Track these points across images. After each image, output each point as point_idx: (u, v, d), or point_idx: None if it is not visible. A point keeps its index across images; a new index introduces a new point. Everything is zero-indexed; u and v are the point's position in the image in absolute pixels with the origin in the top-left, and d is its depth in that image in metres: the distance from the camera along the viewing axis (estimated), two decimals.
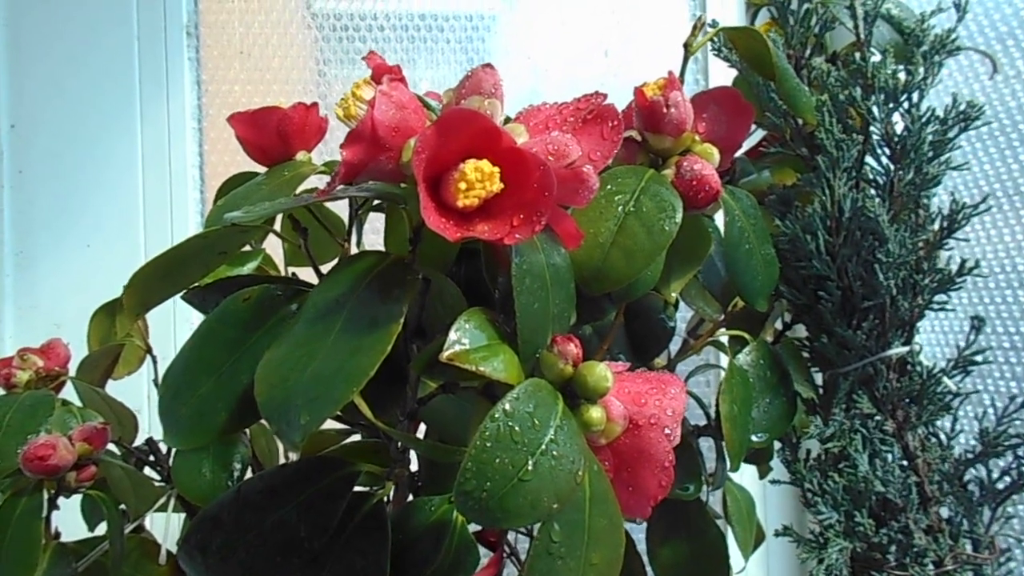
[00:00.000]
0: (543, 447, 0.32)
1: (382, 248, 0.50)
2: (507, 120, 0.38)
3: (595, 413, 0.35)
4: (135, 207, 1.02)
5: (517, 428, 0.31)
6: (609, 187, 0.42)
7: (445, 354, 0.33)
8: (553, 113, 0.38)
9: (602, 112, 0.37)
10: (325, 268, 0.68)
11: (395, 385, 0.43)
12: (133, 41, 1.03)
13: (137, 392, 0.89)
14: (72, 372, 0.73)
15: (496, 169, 0.33)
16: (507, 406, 0.32)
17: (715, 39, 0.55)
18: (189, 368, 0.39)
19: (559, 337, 0.35)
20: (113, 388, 0.75)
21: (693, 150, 0.46)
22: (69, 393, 0.69)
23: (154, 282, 0.45)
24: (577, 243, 0.38)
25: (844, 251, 0.50)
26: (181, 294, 0.46)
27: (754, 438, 0.51)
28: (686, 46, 0.46)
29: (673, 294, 0.51)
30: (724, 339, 0.56)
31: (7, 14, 1.00)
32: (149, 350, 0.71)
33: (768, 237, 0.49)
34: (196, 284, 0.48)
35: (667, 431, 0.36)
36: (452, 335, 0.33)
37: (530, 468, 0.31)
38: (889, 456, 0.49)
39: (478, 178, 0.33)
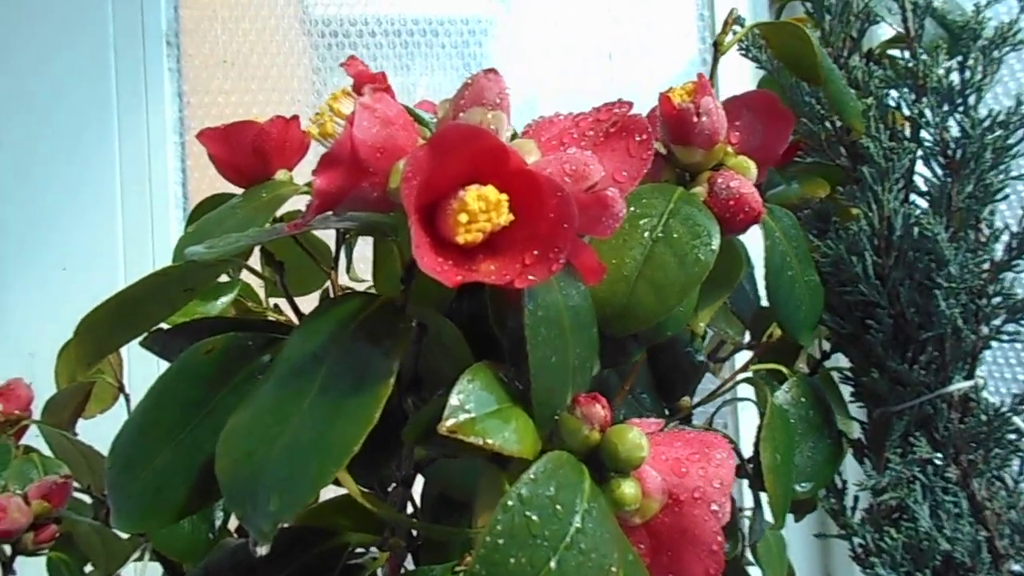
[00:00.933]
0: (568, 539, 0.26)
1: (371, 279, 0.44)
2: (514, 136, 0.32)
3: (628, 489, 0.29)
4: (113, 227, 0.96)
5: (536, 518, 0.25)
6: (632, 209, 0.37)
7: (446, 424, 0.27)
8: (568, 126, 0.32)
9: (627, 124, 0.31)
10: (311, 299, 0.62)
11: (387, 443, 0.36)
12: (109, 51, 0.97)
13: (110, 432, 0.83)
14: (39, 411, 0.67)
15: (504, 196, 0.27)
16: (523, 491, 0.26)
17: (743, 38, 0.49)
18: (142, 434, 0.33)
19: (582, 397, 0.29)
20: (84, 427, 0.69)
21: (727, 164, 0.40)
22: (35, 437, 0.63)
23: (108, 327, 0.39)
24: (599, 278, 0.32)
25: (895, 274, 0.45)
26: (140, 342, 0.40)
27: (798, 488, 0.45)
28: (716, 44, 0.40)
29: (701, 324, 0.45)
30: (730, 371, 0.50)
31: None
32: (121, 388, 0.65)
33: (811, 261, 0.43)
34: (159, 326, 0.42)
35: (714, 507, 0.29)
36: (454, 399, 0.27)
37: (553, 567, 0.25)
38: (953, 506, 0.43)
39: (482, 208, 0.27)
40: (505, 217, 0.27)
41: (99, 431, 0.68)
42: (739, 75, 1.05)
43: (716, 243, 0.36)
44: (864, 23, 0.46)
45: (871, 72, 0.46)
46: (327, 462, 0.27)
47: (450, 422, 0.27)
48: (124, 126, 0.97)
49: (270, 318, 0.51)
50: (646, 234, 0.36)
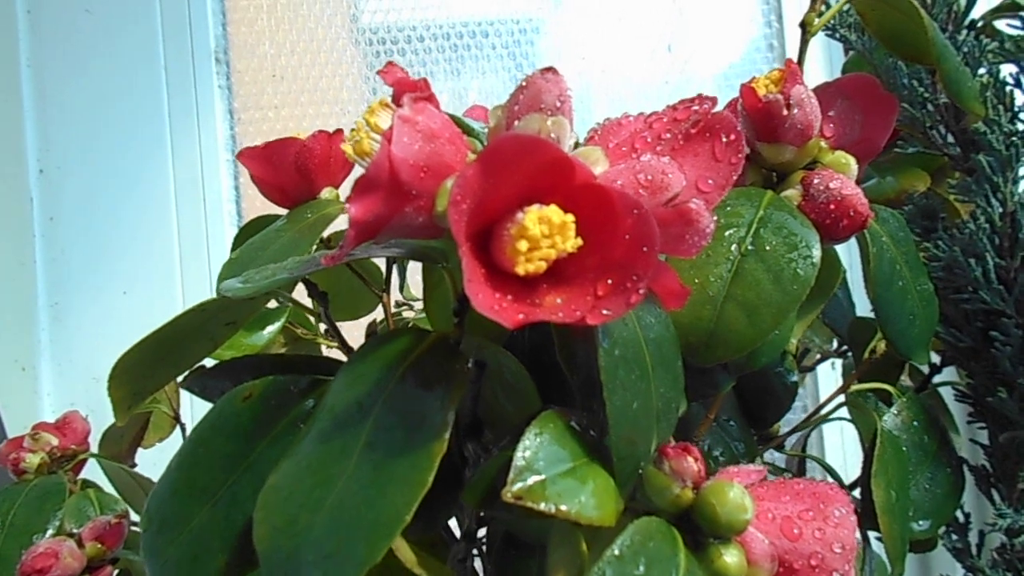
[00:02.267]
0: None
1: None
2: (576, 143, 0.28)
3: (731, 558, 0.24)
4: (171, 248, 0.96)
5: None
6: (716, 219, 0.32)
7: (512, 490, 0.23)
8: (640, 128, 0.28)
9: (711, 124, 0.26)
10: (362, 323, 0.59)
11: (446, 493, 0.33)
12: (160, 72, 0.97)
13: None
14: (97, 442, 0.66)
15: (569, 217, 0.23)
16: (608, 572, 0.21)
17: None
18: (178, 493, 0.30)
19: (671, 448, 0.25)
20: (144, 456, 0.68)
21: (822, 161, 0.35)
22: (93, 470, 0.62)
23: (147, 368, 0.37)
24: (681, 302, 0.28)
25: (1022, 278, 0.38)
26: (180, 382, 0.37)
27: (915, 526, 0.39)
28: (804, 25, 0.35)
29: (793, 340, 0.40)
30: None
31: (30, 55, 0.95)
32: (177, 418, 0.63)
33: (923, 267, 0.37)
34: (200, 364, 0.39)
35: None
36: (519, 458, 0.23)
37: None
38: None
39: (544, 233, 0.23)
40: (572, 242, 0.23)
41: (161, 459, 0.67)
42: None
43: (816, 255, 0.31)
44: None
45: (983, 46, 0.40)
46: (377, 537, 0.23)
47: (516, 487, 0.23)
48: (177, 146, 0.96)
49: (317, 352, 0.48)
50: (733, 247, 0.31)
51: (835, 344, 0.62)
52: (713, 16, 1.05)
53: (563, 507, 0.23)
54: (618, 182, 0.26)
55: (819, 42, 0.99)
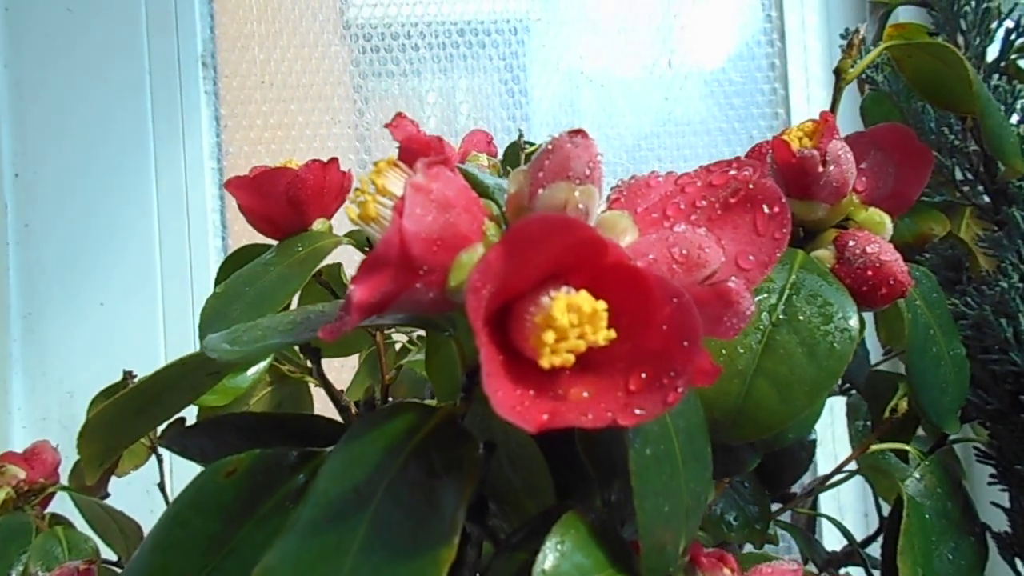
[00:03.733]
0: None
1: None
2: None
3: None
4: (151, 259, 0.92)
5: None
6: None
7: None
8: (672, 192, 0.25)
9: (753, 194, 0.24)
10: (352, 361, 0.56)
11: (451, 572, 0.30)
12: (144, 75, 0.93)
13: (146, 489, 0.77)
14: (68, 470, 0.62)
15: (601, 305, 0.20)
16: None
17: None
18: None
19: (705, 557, 0.23)
20: (117, 485, 0.64)
21: (855, 219, 0.32)
22: (62, 499, 0.59)
23: (124, 421, 0.34)
24: (712, 380, 0.25)
25: None
26: (156, 437, 0.35)
27: None
28: (839, 72, 0.33)
29: None
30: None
31: (7, 53, 0.91)
32: (154, 447, 0.60)
33: (955, 330, 0.35)
34: (179, 418, 0.36)
35: None
36: (541, 569, 0.21)
37: None
38: None
39: (573, 323, 0.20)
40: (604, 334, 0.20)
41: (133, 488, 0.64)
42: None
43: (854, 327, 0.28)
44: (1013, 33, 0.38)
45: (1016, 92, 0.38)
46: None
47: None
48: (160, 153, 0.93)
49: (305, 392, 0.46)
50: (764, 316, 0.29)
51: (839, 381, 0.60)
52: (714, 33, 1.03)
53: None
54: (650, 256, 0.23)
55: (822, 65, 0.98)
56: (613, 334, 0.20)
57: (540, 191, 0.23)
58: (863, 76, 0.42)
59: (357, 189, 0.24)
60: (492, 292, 0.20)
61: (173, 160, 0.93)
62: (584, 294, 0.21)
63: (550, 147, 0.23)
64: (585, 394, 0.21)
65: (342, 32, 1.00)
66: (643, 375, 0.21)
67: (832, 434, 0.99)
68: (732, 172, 0.25)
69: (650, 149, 1.03)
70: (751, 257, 0.24)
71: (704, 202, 0.25)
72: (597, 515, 0.24)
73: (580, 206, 0.22)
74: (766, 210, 0.24)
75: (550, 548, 0.21)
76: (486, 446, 0.27)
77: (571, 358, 0.21)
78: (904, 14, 0.55)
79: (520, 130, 0.80)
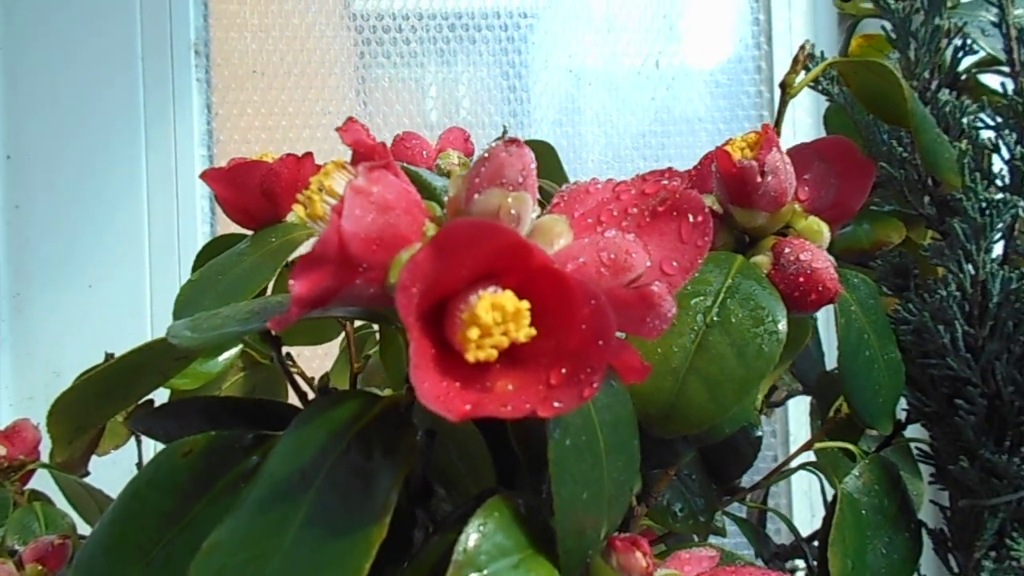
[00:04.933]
0: None
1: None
2: (541, 207, 0.27)
3: None
4: (140, 243, 0.94)
5: None
6: (684, 288, 0.31)
7: None
8: (607, 199, 0.27)
9: (679, 203, 0.26)
10: (322, 349, 0.57)
11: (399, 552, 0.32)
12: (137, 62, 0.94)
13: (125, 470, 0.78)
14: (48, 450, 0.64)
15: (524, 305, 0.22)
16: None
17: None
18: (109, 550, 0.29)
19: (619, 541, 0.24)
20: (98, 464, 0.66)
21: (795, 227, 0.34)
22: (43, 478, 0.61)
23: (91, 402, 0.36)
24: (642, 377, 0.27)
25: (991, 347, 0.38)
26: (124, 418, 0.36)
27: None
28: (784, 86, 0.34)
29: (759, 396, 0.39)
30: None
31: (3, 37, 0.92)
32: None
33: (891, 334, 0.37)
34: (147, 400, 0.38)
35: None
36: (460, 552, 0.22)
37: None
38: None
39: (496, 320, 0.22)
40: (525, 332, 0.22)
41: (114, 468, 0.65)
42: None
43: (782, 331, 0.30)
44: (958, 52, 0.40)
45: (964, 108, 0.40)
46: None
47: None
48: (151, 139, 0.94)
49: (277, 378, 0.47)
50: (699, 317, 0.30)
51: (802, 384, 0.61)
52: (703, 35, 1.04)
53: None
54: (580, 259, 0.25)
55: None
56: (534, 332, 0.22)
57: (476, 196, 0.24)
58: (820, 89, 0.43)
59: (306, 190, 0.25)
60: (423, 290, 0.22)
61: (163, 146, 0.94)
62: (508, 294, 0.22)
63: (486, 155, 0.24)
64: (510, 387, 0.23)
65: (347, 22, 1.01)
66: (563, 370, 0.22)
67: (808, 433, 1.01)
68: (663, 182, 0.27)
69: (635, 148, 1.04)
70: (675, 263, 0.25)
71: (635, 209, 0.26)
72: (525, 501, 0.25)
73: (512, 211, 0.24)
74: (691, 219, 0.25)
75: (473, 529, 0.23)
76: (427, 434, 0.28)
77: (494, 353, 0.22)
78: (876, 25, 0.56)
79: (504, 126, 0.82)
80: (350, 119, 0.27)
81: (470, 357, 0.22)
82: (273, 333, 0.39)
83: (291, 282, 0.22)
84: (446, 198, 0.28)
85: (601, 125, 1.05)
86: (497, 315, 0.22)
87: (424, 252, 0.21)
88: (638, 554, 0.24)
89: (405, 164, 0.27)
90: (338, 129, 0.26)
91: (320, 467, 0.26)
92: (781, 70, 1.07)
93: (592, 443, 0.25)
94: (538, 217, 0.26)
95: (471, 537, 0.23)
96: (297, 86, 0.99)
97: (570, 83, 1.05)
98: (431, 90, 1.05)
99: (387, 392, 0.35)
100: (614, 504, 0.26)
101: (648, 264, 0.25)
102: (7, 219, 0.92)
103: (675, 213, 0.26)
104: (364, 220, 0.23)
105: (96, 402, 0.35)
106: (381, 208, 0.23)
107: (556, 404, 0.22)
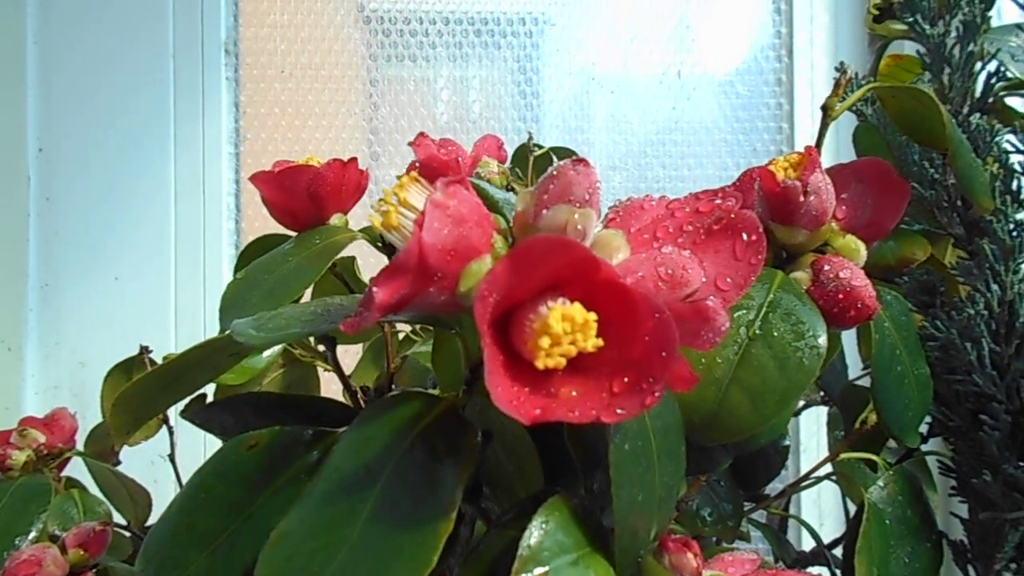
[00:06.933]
0: None
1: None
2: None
3: None
4: (166, 237, 0.95)
5: None
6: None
7: None
8: (662, 216, 0.28)
9: (734, 223, 0.27)
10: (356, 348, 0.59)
11: (447, 549, 0.33)
12: (168, 60, 0.96)
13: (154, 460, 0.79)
14: (83, 440, 0.65)
15: (592, 316, 0.23)
16: None
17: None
18: (176, 537, 0.30)
19: (672, 542, 0.26)
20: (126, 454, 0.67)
21: (833, 245, 0.35)
22: (74, 465, 0.62)
23: (150, 395, 0.37)
24: (690, 387, 0.28)
25: (1016, 365, 0.39)
26: (180, 411, 0.38)
27: None
28: (826, 109, 0.36)
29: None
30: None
31: (37, 32, 0.94)
32: (166, 420, 0.63)
33: (921, 351, 0.38)
34: (200, 394, 0.39)
35: None
36: (525, 547, 0.24)
37: None
38: None
39: (566, 331, 0.23)
40: (593, 342, 0.23)
41: (143, 456, 0.67)
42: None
43: (823, 345, 0.31)
44: (991, 77, 0.41)
45: (995, 131, 0.41)
46: None
47: None
48: (180, 136, 0.96)
49: (314, 376, 0.49)
50: (742, 330, 0.32)
51: (821, 392, 0.63)
52: (724, 46, 1.05)
53: None
54: (639, 273, 0.26)
55: (827, 83, 1.00)
56: (601, 342, 0.23)
57: (544, 212, 0.25)
58: (854, 108, 0.45)
59: (381, 199, 0.27)
60: (497, 300, 0.23)
61: (192, 143, 0.96)
62: (577, 306, 0.23)
63: (555, 173, 0.26)
64: (574, 393, 0.24)
65: (361, 25, 1.03)
66: (626, 379, 0.24)
67: (817, 442, 1.03)
68: (718, 201, 0.28)
69: (655, 156, 1.05)
70: (729, 279, 0.27)
71: (690, 227, 0.28)
72: (580, 500, 0.26)
73: (579, 227, 0.25)
74: (745, 238, 0.27)
75: (536, 526, 0.24)
76: (483, 435, 0.29)
77: (563, 361, 0.23)
78: (908, 44, 0.57)
79: (530, 132, 0.83)
80: (421, 134, 0.28)
81: (540, 364, 0.23)
82: (329, 334, 0.40)
83: (374, 289, 0.23)
84: (509, 211, 0.30)
85: (611, 132, 1.06)
86: (567, 325, 0.23)
87: (502, 264, 0.22)
88: (689, 555, 0.25)
89: (473, 179, 0.28)
90: (411, 144, 0.27)
91: (385, 463, 0.27)
92: (801, 83, 1.09)
93: (646, 448, 0.26)
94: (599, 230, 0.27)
95: (534, 534, 0.24)
96: (324, 87, 1.00)
97: (583, 88, 1.07)
98: (443, 94, 1.06)
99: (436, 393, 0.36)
100: (663, 506, 0.27)
101: (703, 280, 0.26)
102: (38, 211, 0.94)
103: (730, 232, 0.27)
104: (442, 232, 0.24)
105: (155, 395, 0.37)
106: (456, 221, 0.24)
107: (619, 411, 0.23)
